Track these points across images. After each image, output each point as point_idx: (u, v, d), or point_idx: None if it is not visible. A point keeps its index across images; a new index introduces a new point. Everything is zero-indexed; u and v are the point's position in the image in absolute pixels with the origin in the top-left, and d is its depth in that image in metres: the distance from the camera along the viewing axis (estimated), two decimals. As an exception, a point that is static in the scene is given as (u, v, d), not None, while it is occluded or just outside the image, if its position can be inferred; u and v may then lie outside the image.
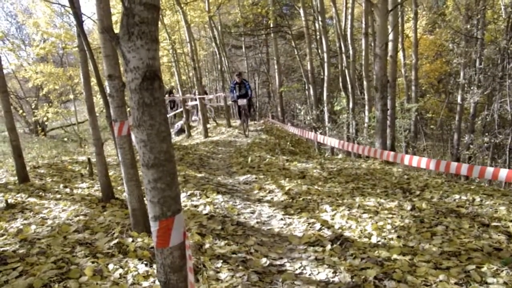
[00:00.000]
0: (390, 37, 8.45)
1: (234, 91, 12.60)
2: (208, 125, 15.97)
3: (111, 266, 3.09)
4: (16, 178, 6.12)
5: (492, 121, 14.68)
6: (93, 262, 3.12)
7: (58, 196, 5.42)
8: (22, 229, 3.93)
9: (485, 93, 15.87)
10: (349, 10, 15.95)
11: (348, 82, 15.38)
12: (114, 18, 9.68)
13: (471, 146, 15.41)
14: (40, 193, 5.51)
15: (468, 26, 16.37)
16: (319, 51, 17.36)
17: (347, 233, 3.99)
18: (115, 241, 3.55)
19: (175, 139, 16.59)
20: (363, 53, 15.14)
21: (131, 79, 1.85)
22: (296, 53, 19.62)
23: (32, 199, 5.19)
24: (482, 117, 15.68)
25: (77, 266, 3.05)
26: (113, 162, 8.03)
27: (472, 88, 15.88)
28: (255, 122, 18.17)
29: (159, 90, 1.90)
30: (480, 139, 14.55)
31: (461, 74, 16.85)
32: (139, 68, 1.83)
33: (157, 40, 1.88)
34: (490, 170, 3.81)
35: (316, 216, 4.57)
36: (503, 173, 3.71)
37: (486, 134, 14.56)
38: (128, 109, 4.44)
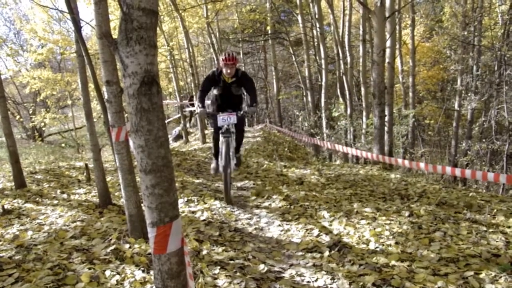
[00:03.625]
0: (388, 43, 8.49)
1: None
2: (206, 131, 15.98)
3: (107, 273, 3.07)
4: (13, 183, 6.08)
5: (490, 127, 14.74)
6: (89, 269, 3.10)
7: (55, 202, 5.39)
8: (18, 235, 3.91)
9: (482, 99, 15.94)
10: (347, 17, 16.04)
11: (346, 89, 15.42)
12: (112, 24, 9.70)
13: (468, 152, 15.45)
14: (37, 198, 5.49)
15: (465, 33, 16.46)
16: (317, 57, 17.41)
17: (345, 239, 3.98)
18: (112, 247, 3.53)
19: (172, 145, 16.57)
20: (361, 60, 15.21)
21: (129, 84, 1.85)
22: (294, 59, 19.70)
23: (28, 205, 5.16)
24: (479, 123, 15.75)
25: (73, 272, 3.03)
26: (110, 167, 8.00)
27: (469, 94, 15.96)
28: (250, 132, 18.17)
29: (157, 96, 1.90)
30: (478, 145, 14.58)
31: (459, 80, 16.94)
32: (137, 73, 1.83)
33: (155, 45, 1.88)
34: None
35: (314, 222, 4.56)
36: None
37: (484, 140, 14.61)
38: (126, 115, 4.43)
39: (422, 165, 5.30)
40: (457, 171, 4.62)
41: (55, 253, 3.41)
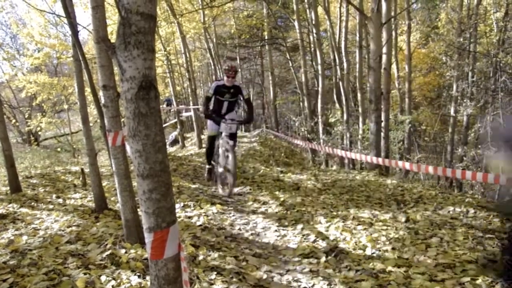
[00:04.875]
0: (384, 50, 8.53)
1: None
2: (203, 136, 15.97)
3: (103, 278, 3.05)
4: (8, 188, 6.05)
5: (485, 133, 14.78)
6: (85, 274, 3.08)
7: (51, 206, 5.36)
8: (13, 240, 3.88)
9: (478, 105, 16.02)
10: (343, 23, 16.11)
11: (343, 94, 15.47)
12: (109, 29, 9.70)
13: (464, 158, 15.49)
14: (32, 203, 5.46)
15: (461, 40, 16.56)
16: (314, 63, 17.46)
17: (341, 245, 3.97)
18: (108, 252, 3.51)
19: (169, 149, 16.54)
20: (357, 66, 15.26)
21: (127, 88, 1.84)
22: (290, 65, 19.76)
23: (24, 210, 5.13)
24: (475, 129, 15.80)
25: (69, 277, 3.01)
26: (106, 172, 7.97)
27: (465, 100, 16.03)
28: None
29: (155, 100, 1.90)
30: (473, 151, 14.63)
31: (454, 86, 17.01)
32: (135, 78, 1.82)
33: (153, 49, 1.88)
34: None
35: (310, 228, 4.56)
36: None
37: (479, 146, 14.65)
38: (123, 119, 4.42)
39: (422, 167, 5.33)
40: (458, 173, 4.66)
41: (50, 258, 3.38)
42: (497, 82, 14.63)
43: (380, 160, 6.57)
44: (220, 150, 6.32)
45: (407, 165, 5.82)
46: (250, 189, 6.78)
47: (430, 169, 5.01)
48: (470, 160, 15.06)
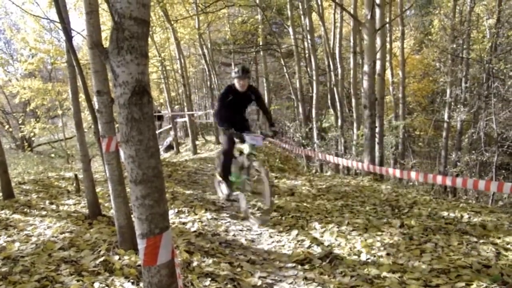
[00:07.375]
0: (378, 55, 8.56)
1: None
2: (197, 142, 15.95)
3: (96, 285, 3.02)
4: (1, 194, 6.00)
5: (479, 139, 14.87)
6: (78, 281, 3.05)
7: (44, 212, 5.32)
8: (5, 247, 3.84)
9: (471, 111, 16.12)
10: (338, 29, 16.18)
11: (337, 100, 15.51)
12: (104, 35, 9.68)
13: (458, 163, 15.55)
14: (25, 209, 5.41)
15: (454, 46, 16.69)
16: (308, 69, 17.50)
17: (336, 251, 3.96)
18: (101, 259, 3.48)
19: (163, 155, 16.49)
20: (352, 71, 15.33)
21: (120, 93, 1.83)
22: (285, 71, 19.75)
23: (16, 216, 5.08)
24: (468, 135, 15.89)
25: (61, 284, 2.98)
26: (100, 178, 7.93)
27: (458, 106, 16.12)
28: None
29: (148, 105, 1.89)
30: (467, 157, 14.69)
31: (448, 92, 17.11)
32: (128, 83, 1.82)
33: (146, 55, 1.88)
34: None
35: (305, 234, 4.55)
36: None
37: (473, 151, 14.72)
38: (117, 125, 4.40)
39: (412, 174, 5.34)
40: (448, 180, 4.70)
41: (43, 265, 3.35)
42: (490, 88, 14.73)
43: (371, 167, 6.56)
44: None
45: (398, 172, 5.84)
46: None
47: (421, 176, 5.02)
48: (464, 165, 15.13)
